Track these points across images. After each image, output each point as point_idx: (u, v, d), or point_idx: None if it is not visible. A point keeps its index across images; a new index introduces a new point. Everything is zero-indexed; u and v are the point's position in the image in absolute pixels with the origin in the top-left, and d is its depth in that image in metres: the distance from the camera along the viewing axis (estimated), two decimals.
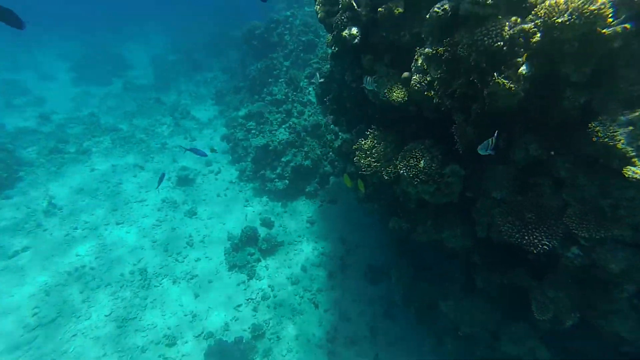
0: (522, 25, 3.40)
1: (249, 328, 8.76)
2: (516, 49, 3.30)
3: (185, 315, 9.02)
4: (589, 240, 3.65)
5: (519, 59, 3.25)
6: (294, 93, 13.15)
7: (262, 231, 10.96)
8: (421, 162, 4.34)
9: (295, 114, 12.76)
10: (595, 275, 4.15)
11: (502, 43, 3.24)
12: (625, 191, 3.41)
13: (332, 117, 6.76)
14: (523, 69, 3.25)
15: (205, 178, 13.37)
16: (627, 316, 4.32)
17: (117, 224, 11.34)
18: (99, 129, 16.34)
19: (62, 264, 10.03)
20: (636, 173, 3.00)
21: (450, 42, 3.79)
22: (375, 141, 5.08)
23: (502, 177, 4.20)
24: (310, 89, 12.95)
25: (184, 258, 10.43)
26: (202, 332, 8.70)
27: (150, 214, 11.76)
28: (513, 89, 3.27)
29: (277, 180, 11.91)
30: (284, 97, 13.06)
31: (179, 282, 9.77)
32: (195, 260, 10.36)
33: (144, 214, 11.73)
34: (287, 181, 11.80)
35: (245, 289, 9.65)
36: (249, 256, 10.30)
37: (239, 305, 9.28)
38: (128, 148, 15.17)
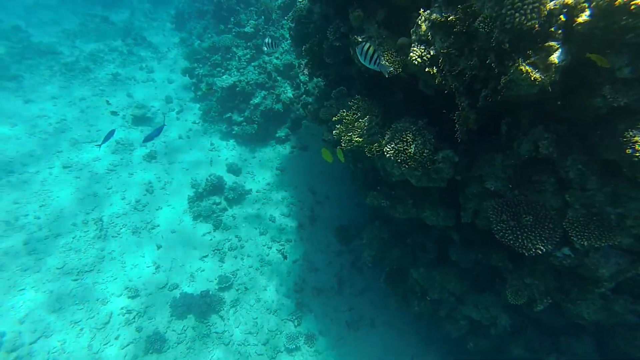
0: None
1: (215, 279, 8.55)
2: (552, 29, 2.57)
3: (148, 267, 8.62)
4: (586, 248, 3.37)
5: (553, 43, 2.54)
6: (266, 26, 11.52)
7: (229, 179, 10.31)
8: (412, 146, 3.74)
9: (266, 50, 11.33)
10: (578, 272, 3.99)
11: (537, 22, 2.48)
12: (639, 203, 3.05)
13: (307, 70, 5.74)
14: (556, 56, 2.56)
15: (166, 117, 12.08)
16: (594, 303, 4.32)
17: (64, 167, 10.13)
18: (30, 50, 13.78)
19: None
20: None
21: (466, 9, 2.94)
22: (358, 113, 4.34)
23: (499, 167, 3.73)
24: (283, 21, 11.37)
25: (144, 207, 9.69)
26: (167, 284, 8.41)
27: (104, 157, 10.60)
28: (539, 80, 2.61)
29: (245, 123, 10.94)
30: (253, 30, 11.42)
31: (139, 232, 9.17)
32: (157, 209, 9.68)
33: (96, 157, 10.56)
34: (256, 125, 10.88)
35: (211, 240, 9.27)
36: (214, 205, 9.78)
37: (205, 256, 8.96)
38: (71, 77, 13.08)
